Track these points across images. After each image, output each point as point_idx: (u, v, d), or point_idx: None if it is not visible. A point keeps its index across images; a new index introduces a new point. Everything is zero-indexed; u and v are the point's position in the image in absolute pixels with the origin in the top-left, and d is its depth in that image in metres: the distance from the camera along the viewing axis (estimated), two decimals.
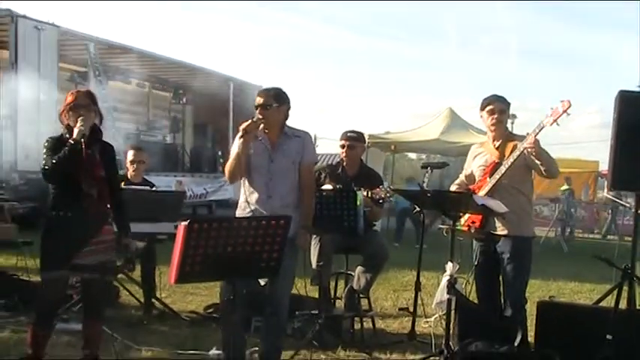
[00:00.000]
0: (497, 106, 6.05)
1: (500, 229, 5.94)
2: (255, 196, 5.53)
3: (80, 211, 5.11)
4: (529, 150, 5.65)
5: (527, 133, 5.78)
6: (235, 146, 5.53)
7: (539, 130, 5.69)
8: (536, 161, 5.76)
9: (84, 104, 5.22)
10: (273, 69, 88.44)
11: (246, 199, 5.59)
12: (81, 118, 5.11)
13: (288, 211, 5.27)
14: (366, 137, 11.48)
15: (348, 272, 7.48)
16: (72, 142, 5.04)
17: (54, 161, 5.03)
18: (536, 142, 5.66)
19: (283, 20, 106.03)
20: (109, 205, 5.33)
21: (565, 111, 5.61)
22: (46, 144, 5.20)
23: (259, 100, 5.57)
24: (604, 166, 24.96)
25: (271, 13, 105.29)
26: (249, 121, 5.46)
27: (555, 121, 5.64)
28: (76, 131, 5.07)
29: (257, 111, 5.53)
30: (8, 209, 6.75)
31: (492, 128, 6.12)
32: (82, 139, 5.04)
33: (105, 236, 5.28)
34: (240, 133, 5.43)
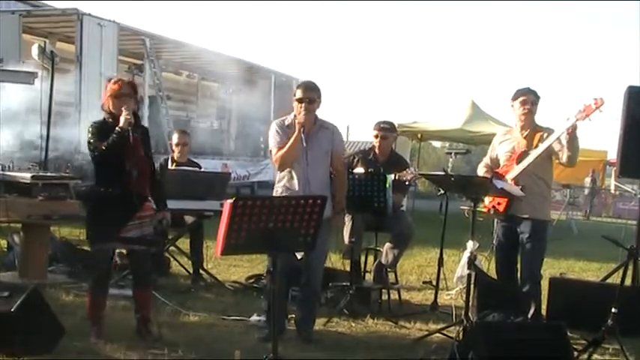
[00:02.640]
0: (530, 98, 6.01)
1: (522, 212, 5.92)
2: (295, 182, 5.53)
3: (123, 188, 5.15)
4: (568, 132, 5.60)
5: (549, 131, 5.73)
6: (278, 138, 5.57)
7: (574, 122, 5.62)
8: (565, 148, 5.71)
9: (127, 93, 5.24)
10: (308, 59, 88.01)
11: (285, 185, 5.59)
12: (125, 107, 5.14)
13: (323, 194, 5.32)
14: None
15: (377, 248, 7.48)
16: (119, 129, 5.07)
17: (104, 147, 5.07)
18: (575, 128, 5.61)
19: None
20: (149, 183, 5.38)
21: (598, 107, 5.54)
22: (90, 129, 5.22)
23: (307, 94, 5.57)
24: (612, 155, 24.73)
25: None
26: (303, 115, 5.47)
27: (588, 116, 5.57)
28: (122, 120, 5.09)
29: (302, 104, 5.53)
30: (72, 186, 6.81)
31: (522, 118, 6.06)
32: (129, 127, 5.08)
33: (147, 211, 5.33)
34: (297, 130, 5.47)
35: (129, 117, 5.10)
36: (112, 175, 5.16)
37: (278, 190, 5.65)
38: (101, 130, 5.17)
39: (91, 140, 5.17)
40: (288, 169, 5.59)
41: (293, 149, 5.49)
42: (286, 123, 5.69)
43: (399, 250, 7.16)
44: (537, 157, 5.85)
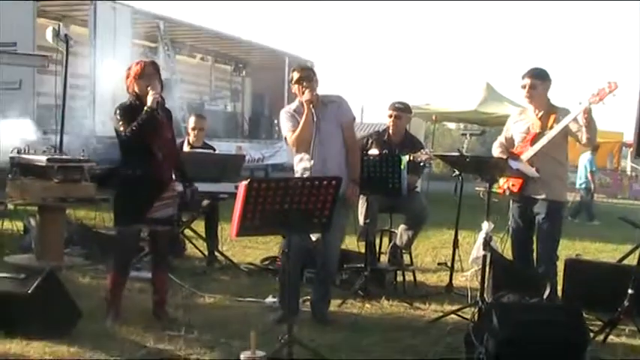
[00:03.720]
0: (528, 82, 5.97)
1: (538, 194, 5.89)
2: (314, 161, 5.51)
3: (150, 170, 5.15)
4: (584, 116, 5.58)
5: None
6: (290, 123, 5.61)
7: (589, 106, 5.58)
8: (583, 130, 5.67)
9: (151, 73, 5.23)
10: (322, 41, 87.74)
11: (304, 167, 5.58)
12: (152, 86, 5.13)
13: (342, 171, 5.42)
14: None
15: (392, 230, 7.47)
16: (148, 109, 5.06)
17: (134, 128, 5.04)
18: (590, 110, 5.58)
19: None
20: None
21: (612, 91, 5.50)
22: (118, 111, 5.19)
23: (304, 73, 5.62)
24: (628, 137, 24.57)
25: None
26: (308, 93, 5.47)
27: (602, 99, 5.53)
28: (150, 99, 5.08)
29: (302, 84, 5.55)
30: (88, 169, 6.83)
31: (526, 101, 6.08)
32: (157, 106, 5.07)
33: (171, 192, 5.33)
34: (306, 109, 5.48)
35: (157, 95, 5.09)
36: (139, 157, 5.15)
37: (298, 172, 5.65)
38: (129, 112, 5.15)
39: (120, 123, 5.14)
40: (304, 151, 5.59)
41: (307, 127, 5.49)
42: (293, 108, 5.73)
43: (414, 232, 7.15)
44: (552, 139, 5.81)
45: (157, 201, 5.20)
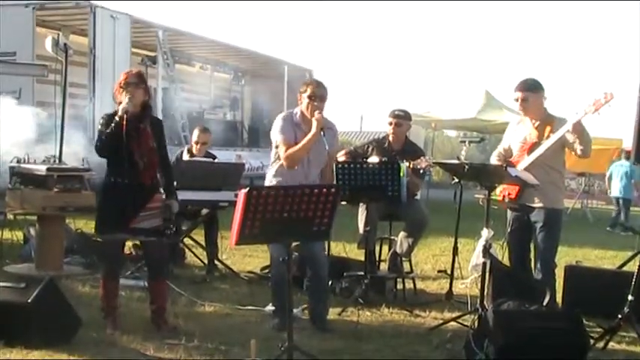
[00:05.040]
0: (520, 95, 6.01)
1: (535, 202, 5.92)
2: (296, 179, 5.53)
3: (132, 179, 5.18)
4: (573, 129, 5.61)
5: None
6: (286, 135, 5.59)
7: (580, 118, 5.61)
8: (577, 142, 5.70)
9: (132, 82, 5.26)
10: (321, 50, 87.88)
11: (280, 182, 5.61)
12: (129, 96, 5.16)
13: None
14: None
15: (392, 237, 7.47)
16: (117, 118, 5.11)
17: (103, 137, 5.13)
18: (580, 123, 5.61)
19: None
20: (158, 173, 5.39)
21: (607, 102, 5.53)
22: (101, 120, 5.30)
23: (320, 92, 5.62)
24: (627, 144, 24.55)
25: None
26: (319, 115, 5.51)
27: (597, 110, 5.55)
28: (119, 109, 5.14)
29: (315, 103, 5.56)
30: (87, 178, 6.85)
31: (521, 113, 6.14)
32: (125, 115, 5.09)
33: (157, 202, 5.34)
34: (316, 129, 5.49)
35: (125, 106, 5.12)
36: (120, 166, 5.18)
37: (272, 183, 5.68)
38: (108, 121, 5.21)
39: (99, 131, 5.24)
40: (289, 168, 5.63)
41: (309, 147, 5.53)
42: (295, 120, 5.70)
43: (414, 239, 7.15)
44: (548, 149, 5.84)
45: (142, 211, 5.22)
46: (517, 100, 6.02)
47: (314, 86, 5.65)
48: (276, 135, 5.69)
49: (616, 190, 16.45)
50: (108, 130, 5.12)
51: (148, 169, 5.27)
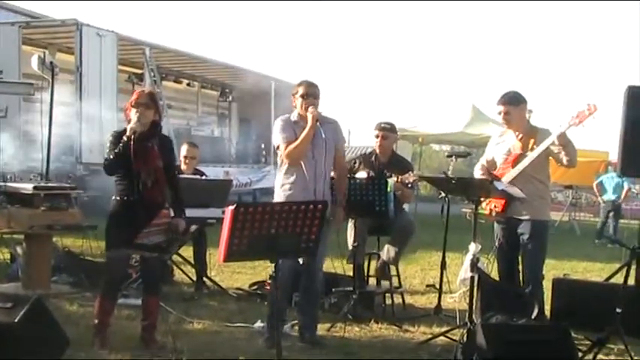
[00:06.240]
0: (502, 109, 6.08)
1: (521, 214, 5.94)
2: (305, 176, 5.60)
3: (139, 197, 5.19)
4: (557, 141, 5.68)
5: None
6: (286, 134, 5.65)
7: (564, 130, 5.67)
8: (562, 153, 5.75)
9: (142, 102, 5.28)
10: (307, 65, 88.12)
11: (292, 182, 5.64)
12: (136, 115, 5.18)
13: (328, 191, 5.63)
14: None
15: (380, 253, 7.47)
16: (125, 138, 5.13)
17: (111, 156, 5.15)
18: (564, 135, 5.68)
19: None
20: (166, 191, 5.40)
21: (591, 114, 5.58)
22: (110, 138, 5.31)
23: (311, 90, 5.70)
24: (613, 156, 24.69)
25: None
26: (314, 109, 5.58)
27: (581, 122, 5.61)
28: (128, 127, 5.16)
29: (308, 100, 5.64)
30: (74, 197, 6.84)
31: (505, 126, 6.20)
32: (133, 135, 5.11)
33: (162, 219, 5.34)
34: (311, 122, 5.55)
35: (134, 125, 5.16)
36: (127, 185, 5.22)
37: (286, 188, 5.69)
38: (117, 139, 5.24)
39: (108, 149, 5.25)
40: (296, 166, 5.65)
41: (308, 141, 5.59)
42: (292, 119, 5.78)
43: (401, 246, 7.13)
44: (533, 160, 5.88)
45: (147, 227, 5.22)
46: (500, 113, 6.08)
47: (305, 86, 5.73)
48: (276, 135, 5.77)
49: (610, 194, 16.65)
50: (116, 150, 5.15)
51: (155, 187, 5.28)
